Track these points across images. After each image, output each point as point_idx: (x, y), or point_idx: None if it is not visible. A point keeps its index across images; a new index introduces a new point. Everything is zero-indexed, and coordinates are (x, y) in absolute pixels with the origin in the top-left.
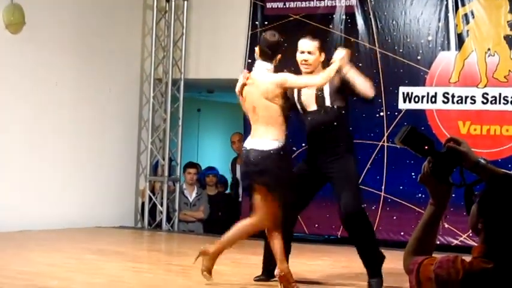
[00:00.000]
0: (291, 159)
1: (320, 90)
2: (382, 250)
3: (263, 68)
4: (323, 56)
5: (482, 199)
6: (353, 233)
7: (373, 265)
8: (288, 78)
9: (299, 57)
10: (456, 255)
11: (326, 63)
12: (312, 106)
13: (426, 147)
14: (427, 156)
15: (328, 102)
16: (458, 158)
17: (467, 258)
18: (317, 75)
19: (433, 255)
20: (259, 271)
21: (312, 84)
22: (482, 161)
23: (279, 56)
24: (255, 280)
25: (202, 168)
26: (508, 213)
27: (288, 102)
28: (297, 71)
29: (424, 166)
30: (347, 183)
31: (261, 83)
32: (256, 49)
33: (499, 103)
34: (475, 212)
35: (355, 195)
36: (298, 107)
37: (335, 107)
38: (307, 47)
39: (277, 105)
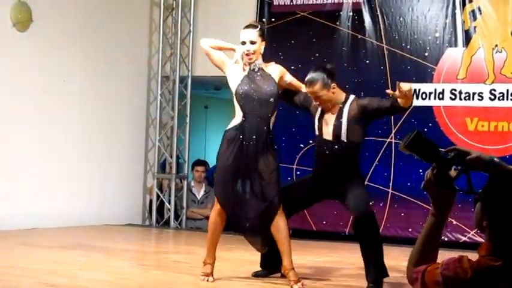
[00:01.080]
0: (233, 148)
1: (339, 119)
2: (390, 247)
3: None
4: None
5: (486, 196)
6: (362, 235)
7: (376, 274)
8: None
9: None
10: (461, 255)
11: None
12: (326, 135)
13: (431, 152)
14: (432, 161)
15: (343, 136)
16: (466, 162)
17: (473, 256)
18: None
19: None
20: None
21: None
22: (495, 159)
23: None
24: (253, 275)
25: (210, 165)
26: (506, 210)
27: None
28: (304, 67)
29: (428, 173)
30: (356, 188)
31: None
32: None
33: (507, 99)
34: (479, 209)
35: (363, 197)
36: (316, 125)
37: (350, 141)
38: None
39: None
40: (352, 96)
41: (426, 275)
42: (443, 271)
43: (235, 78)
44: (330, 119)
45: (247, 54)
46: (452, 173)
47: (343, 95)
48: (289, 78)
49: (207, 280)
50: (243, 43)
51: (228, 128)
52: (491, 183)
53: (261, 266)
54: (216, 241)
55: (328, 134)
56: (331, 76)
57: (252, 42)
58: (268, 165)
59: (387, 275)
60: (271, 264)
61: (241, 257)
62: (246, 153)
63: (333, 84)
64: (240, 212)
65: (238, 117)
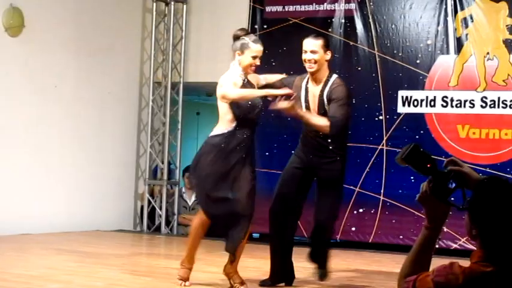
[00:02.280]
0: (223, 157)
1: (322, 95)
2: (381, 254)
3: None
4: (329, 54)
5: (472, 206)
6: (318, 238)
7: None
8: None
9: (303, 56)
10: (452, 261)
11: (332, 61)
12: (313, 111)
13: (428, 166)
14: (428, 175)
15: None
16: (461, 179)
17: (464, 263)
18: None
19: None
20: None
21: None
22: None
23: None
24: (260, 285)
25: None
26: (499, 216)
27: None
28: (297, 73)
29: (423, 185)
30: (331, 189)
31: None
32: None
33: (498, 107)
34: (467, 220)
35: (332, 206)
36: (303, 105)
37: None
38: (310, 46)
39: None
40: (334, 76)
41: (417, 284)
42: (435, 278)
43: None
44: (316, 91)
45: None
46: (448, 188)
47: (327, 71)
48: (262, 77)
49: (184, 284)
50: (304, 52)
51: (214, 134)
52: (476, 193)
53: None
54: (197, 246)
55: (314, 110)
56: (329, 47)
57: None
58: (250, 173)
59: None
60: (279, 275)
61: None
62: (232, 161)
63: (328, 52)
64: (225, 217)
65: (225, 125)
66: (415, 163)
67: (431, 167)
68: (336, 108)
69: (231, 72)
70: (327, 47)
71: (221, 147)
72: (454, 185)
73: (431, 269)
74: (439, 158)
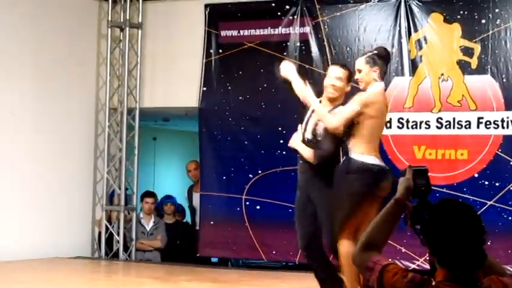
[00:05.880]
0: None
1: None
2: None
3: None
4: (349, 87)
5: (424, 226)
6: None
7: None
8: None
9: (326, 81)
10: (429, 277)
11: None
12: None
13: (423, 189)
14: (417, 197)
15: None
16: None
17: None
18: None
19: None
20: None
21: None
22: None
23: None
24: None
25: (159, 196)
26: (448, 234)
27: None
28: (252, 97)
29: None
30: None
31: None
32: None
33: (453, 127)
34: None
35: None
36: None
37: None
38: (336, 73)
39: None
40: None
41: (385, 275)
42: (409, 284)
43: None
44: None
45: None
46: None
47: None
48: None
49: None
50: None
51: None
52: (430, 214)
53: None
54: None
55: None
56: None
57: (359, 71)
58: None
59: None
60: None
61: None
62: None
63: (350, 84)
64: None
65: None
66: (417, 180)
67: (424, 190)
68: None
69: None
70: (349, 79)
71: None
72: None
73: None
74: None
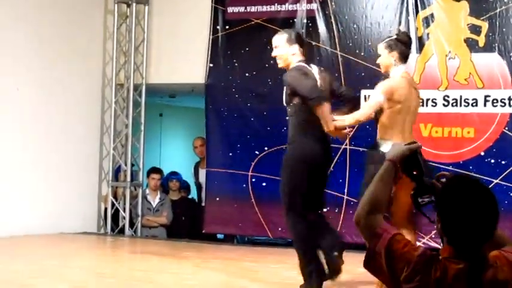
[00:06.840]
0: None
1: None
2: (346, 252)
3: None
4: (296, 47)
5: (438, 202)
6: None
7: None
8: None
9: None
10: (437, 253)
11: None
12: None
13: (414, 173)
14: (413, 181)
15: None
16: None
17: None
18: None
19: None
20: None
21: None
22: None
23: None
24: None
25: (165, 173)
26: (462, 211)
27: None
28: (259, 74)
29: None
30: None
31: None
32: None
33: (460, 105)
34: (436, 217)
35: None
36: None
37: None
38: (274, 42)
39: None
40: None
41: (395, 245)
42: (421, 258)
43: None
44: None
45: None
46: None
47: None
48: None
49: None
50: None
51: None
52: (443, 189)
53: None
54: None
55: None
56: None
57: (379, 55)
58: None
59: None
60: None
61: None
62: None
63: (294, 45)
64: None
65: None
66: (405, 166)
67: (417, 174)
68: None
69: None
70: (292, 40)
71: None
72: (430, 199)
73: None
74: None
